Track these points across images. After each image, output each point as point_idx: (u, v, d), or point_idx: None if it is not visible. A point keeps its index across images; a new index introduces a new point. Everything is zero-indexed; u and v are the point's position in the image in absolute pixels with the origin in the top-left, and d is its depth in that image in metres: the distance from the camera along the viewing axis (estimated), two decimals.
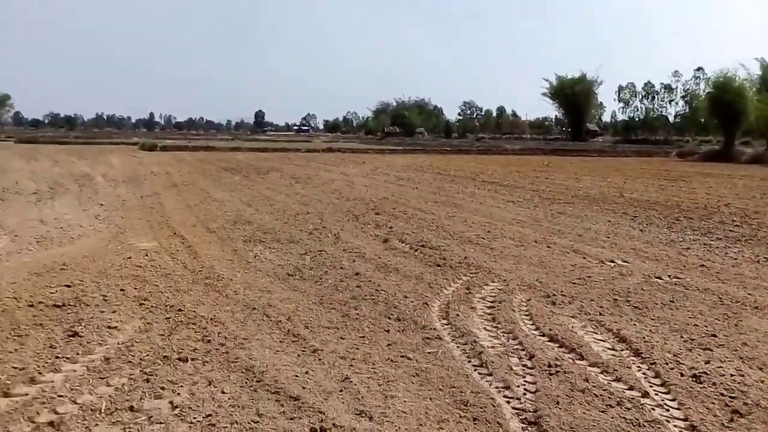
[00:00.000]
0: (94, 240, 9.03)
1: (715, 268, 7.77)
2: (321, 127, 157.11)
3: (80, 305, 5.62)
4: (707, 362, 4.60)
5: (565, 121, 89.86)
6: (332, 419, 3.52)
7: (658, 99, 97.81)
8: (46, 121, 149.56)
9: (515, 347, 4.87)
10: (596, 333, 5.28)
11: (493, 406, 3.79)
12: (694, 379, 4.29)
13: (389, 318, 5.53)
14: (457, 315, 5.61)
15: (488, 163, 30.34)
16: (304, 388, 3.95)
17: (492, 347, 4.85)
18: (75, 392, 3.87)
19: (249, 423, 3.48)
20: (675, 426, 3.65)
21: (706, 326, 5.45)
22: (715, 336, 5.19)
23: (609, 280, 7.07)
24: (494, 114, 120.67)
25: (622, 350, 4.88)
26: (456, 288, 6.62)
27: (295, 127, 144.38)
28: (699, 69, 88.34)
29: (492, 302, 6.08)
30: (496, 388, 4.10)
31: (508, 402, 3.91)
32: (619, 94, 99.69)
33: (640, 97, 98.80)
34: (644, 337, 5.11)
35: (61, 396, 3.82)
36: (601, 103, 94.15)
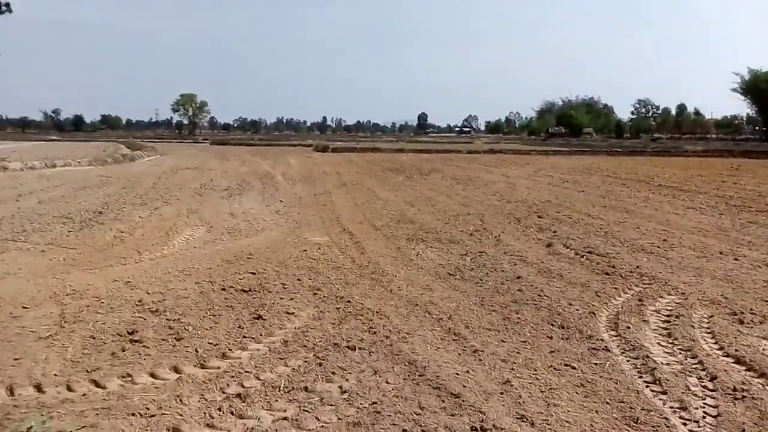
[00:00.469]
0: (275, 233, 9.94)
1: None
2: (482, 128, 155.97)
3: (263, 291, 6.24)
4: None
5: (758, 119, 79.39)
6: (493, 420, 3.55)
7: None
8: (236, 125, 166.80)
9: (694, 366, 4.48)
10: None
11: (667, 426, 3.55)
12: None
13: (552, 324, 5.39)
14: (628, 327, 5.30)
15: (665, 165, 27.88)
16: (464, 386, 4.02)
17: (667, 364, 4.51)
18: (258, 369, 4.33)
19: (411, 414, 3.63)
20: None
21: None
22: None
23: None
24: (673, 112, 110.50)
25: None
26: (626, 298, 6.24)
27: (457, 129, 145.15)
28: None
29: (668, 316, 5.64)
30: (671, 407, 3.81)
31: (685, 424, 3.62)
32: None
33: None
34: None
35: (247, 372, 4.28)
36: None
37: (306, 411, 3.68)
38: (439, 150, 42.12)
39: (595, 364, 4.50)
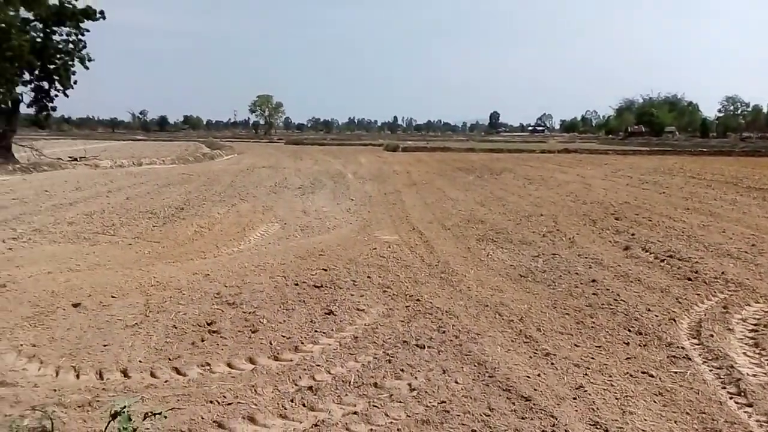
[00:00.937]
0: (345, 231, 10.10)
1: None
2: (557, 127, 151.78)
3: (335, 287, 6.36)
4: None
5: None
6: (565, 426, 3.46)
7: None
8: (309, 125, 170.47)
9: None
10: None
11: None
12: None
13: (629, 330, 5.19)
14: (711, 335, 5.02)
15: (755, 166, 26.16)
16: (535, 390, 3.94)
17: (753, 375, 4.25)
18: (329, 363, 4.42)
19: (481, 415, 3.60)
20: None
21: None
22: None
23: None
24: (765, 110, 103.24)
25: None
26: (710, 305, 5.92)
27: (530, 128, 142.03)
28: None
29: (755, 325, 5.31)
30: (758, 421, 3.59)
31: None
32: None
33: None
34: None
35: (318, 365, 4.38)
36: None
37: (375, 407, 3.72)
38: (510, 149, 41.45)
39: (675, 372, 4.31)
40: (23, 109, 24.24)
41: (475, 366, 4.36)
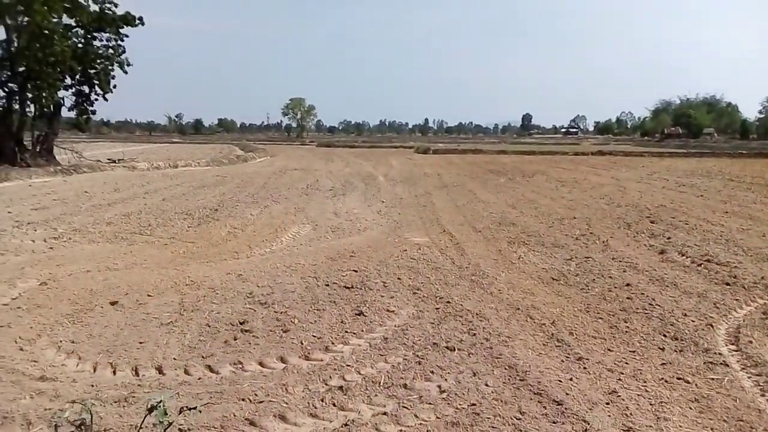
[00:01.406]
0: (376, 232, 10.13)
1: None
2: (591, 129, 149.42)
3: (365, 289, 6.39)
4: None
5: None
6: (597, 430, 3.41)
7: None
8: (340, 128, 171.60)
9: None
10: None
11: None
12: None
13: (664, 335, 5.08)
14: (750, 342, 4.89)
15: None
16: (567, 394, 3.89)
17: None
18: (359, 364, 4.44)
19: (511, 418, 3.57)
20: None
21: None
22: None
23: None
24: None
25: None
26: (749, 311, 5.76)
27: (563, 130, 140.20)
28: None
29: None
30: None
31: None
32: None
33: None
34: None
35: (349, 366, 4.41)
36: None
37: (405, 408, 3.73)
38: (543, 151, 40.97)
39: (712, 379, 4.20)
40: (64, 112, 25.04)
41: (505, 369, 4.32)
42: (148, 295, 6.11)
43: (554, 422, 3.54)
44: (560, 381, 4.11)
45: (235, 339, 4.90)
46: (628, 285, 6.66)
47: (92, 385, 4.03)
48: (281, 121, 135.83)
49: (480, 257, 8.08)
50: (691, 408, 3.75)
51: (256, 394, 3.89)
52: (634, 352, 4.73)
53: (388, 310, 5.65)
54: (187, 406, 2.71)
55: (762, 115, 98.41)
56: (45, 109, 23.80)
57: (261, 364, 4.44)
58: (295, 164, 28.73)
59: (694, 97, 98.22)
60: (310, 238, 9.64)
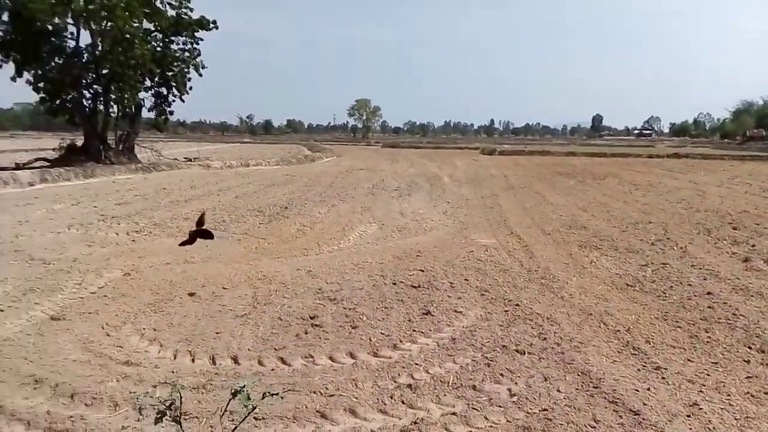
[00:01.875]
0: (442, 233, 10.09)
1: None
2: (666, 130, 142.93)
3: (432, 288, 6.38)
4: None
5: None
6: None
7: None
8: (405, 128, 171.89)
9: None
10: None
11: None
12: None
13: (750, 347, 4.80)
14: None
15: None
16: (645, 404, 3.75)
17: None
18: (428, 363, 4.44)
19: (585, 426, 3.48)
20: None
21: None
22: None
23: None
24: None
25: None
26: None
27: (636, 131, 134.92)
28: None
29: None
30: None
31: None
32: None
33: None
34: None
35: (417, 364, 4.41)
36: None
37: (474, 409, 3.70)
38: (615, 153, 39.56)
39: None
40: (144, 113, 26.30)
41: (578, 375, 4.21)
42: (224, 288, 6.34)
43: None
44: (637, 390, 3.96)
45: (306, 333, 5.01)
46: (709, 293, 6.34)
47: (173, 372, 4.23)
48: (347, 122, 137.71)
49: (550, 260, 7.90)
50: None
51: (326, 388, 3.97)
52: (716, 363, 4.49)
53: (455, 311, 5.62)
54: (269, 392, 2.78)
55: None
56: (127, 110, 25.14)
57: (331, 358, 4.52)
58: (360, 164, 29.04)
59: None
60: (376, 237, 9.71)
